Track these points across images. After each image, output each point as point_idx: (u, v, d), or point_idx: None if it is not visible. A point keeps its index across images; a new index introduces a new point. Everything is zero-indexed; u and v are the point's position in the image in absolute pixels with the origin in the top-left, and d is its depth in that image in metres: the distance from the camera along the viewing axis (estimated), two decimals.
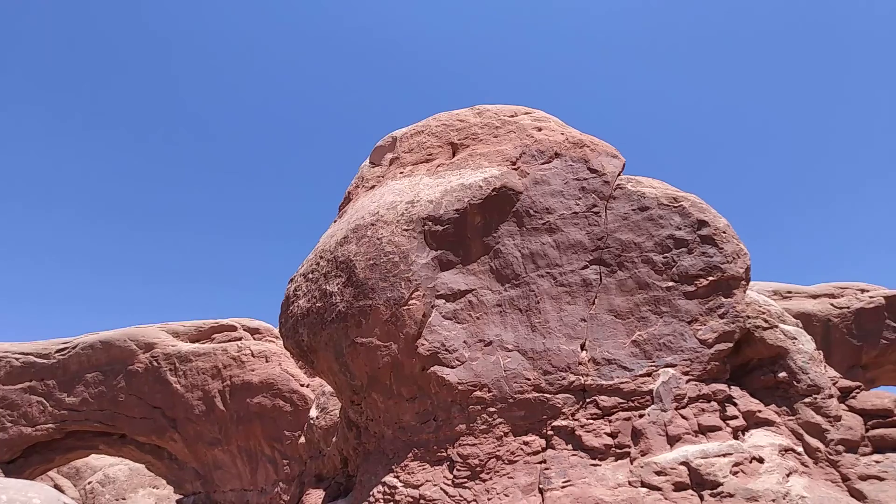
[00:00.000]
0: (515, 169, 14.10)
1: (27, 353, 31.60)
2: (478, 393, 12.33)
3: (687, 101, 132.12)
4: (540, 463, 11.37)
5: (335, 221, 17.23)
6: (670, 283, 12.12)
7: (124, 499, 38.20)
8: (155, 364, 30.17)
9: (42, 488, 11.00)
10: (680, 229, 12.46)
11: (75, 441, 32.15)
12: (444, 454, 12.36)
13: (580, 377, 11.83)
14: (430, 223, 13.61)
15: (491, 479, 11.55)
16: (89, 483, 39.01)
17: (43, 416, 30.60)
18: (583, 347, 12.13)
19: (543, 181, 13.73)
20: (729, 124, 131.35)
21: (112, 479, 39.07)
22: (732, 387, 11.75)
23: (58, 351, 31.47)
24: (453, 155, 15.84)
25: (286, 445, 27.52)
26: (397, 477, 12.71)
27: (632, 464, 10.70)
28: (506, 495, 11.18)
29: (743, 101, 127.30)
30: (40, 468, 32.53)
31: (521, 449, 11.67)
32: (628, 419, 11.25)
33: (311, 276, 15.24)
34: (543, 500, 10.72)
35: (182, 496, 32.94)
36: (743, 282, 12.15)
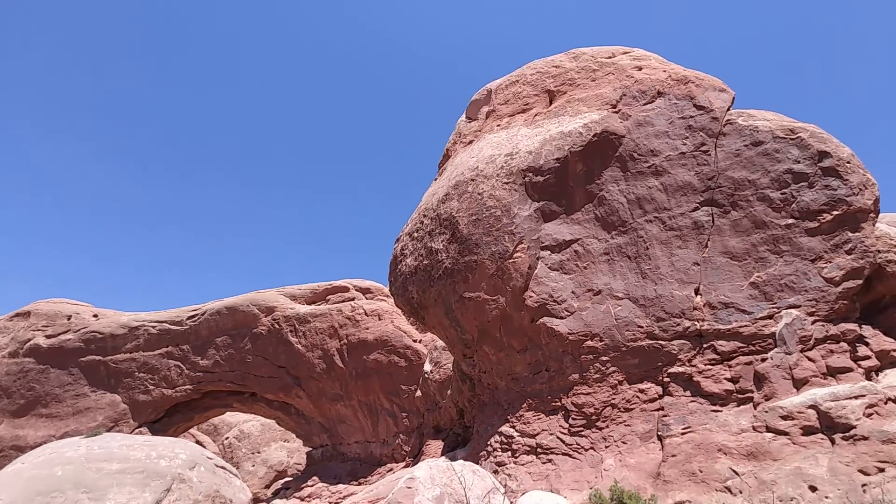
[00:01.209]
0: (616, 112, 13.63)
1: (162, 321, 34.16)
2: (589, 342, 12.25)
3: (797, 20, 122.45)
4: (657, 410, 11.22)
5: (436, 179, 17.36)
6: (790, 221, 11.43)
7: (259, 452, 41.00)
8: (277, 326, 31.89)
9: (186, 444, 11.99)
10: (798, 162, 11.66)
11: (211, 400, 34.71)
12: (559, 404, 12.43)
13: (696, 322, 11.48)
14: (531, 174, 13.46)
15: (607, 427, 11.54)
16: (227, 438, 42.07)
17: (181, 378, 33.15)
18: (697, 292, 11.73)
19: (646, 122, 13.21)
20: (851, 41, 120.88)
21: (247, 434, 41.93)
22: (863, 326, 11.04)
23: (189, 318, 33.82)
24: (550, 103, 15.50)
25: (403, 399, 28.51)
26: (513, 427, 12.93)
27: (755, 409, 10.36)
28: (623, 443, 11.14)
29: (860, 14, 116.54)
30: (182, 426, 35.39)
31: (637, 397, 11.55)
32: (750, 363, 10.85)
33: (416, 234, 15.50)
34: (663, 447, 10.60)
35: (311, 448, 34.95)
36: (871, 214, 11.28)
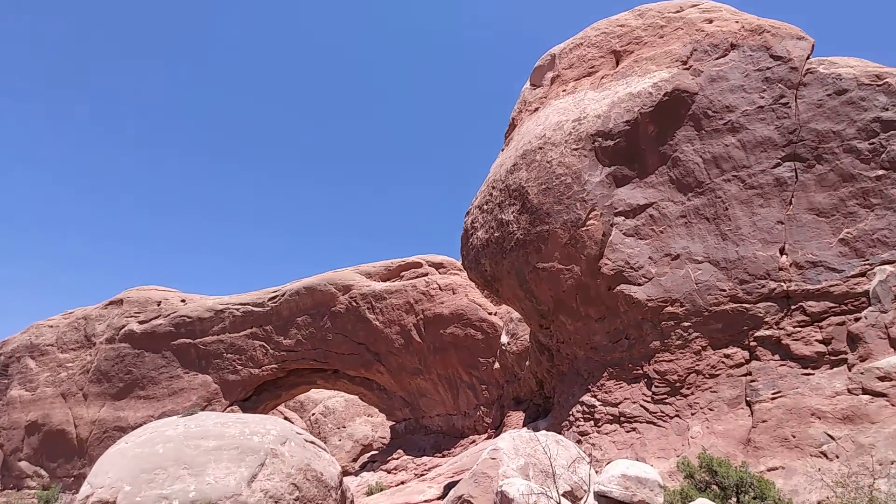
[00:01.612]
0: (687, 68, 13.13)
1: (245, 304, 35.48)
2: (669, 308, 11.99)
3: None
4: (744, 375, 10.91)
5: (503, 150, 17.22)
6: (880, 172, 10.79)
7: (344, 427, 42.30)
8: (354, 304, 32.66)
9: (276, 421, 12.43)
10: (887, 110, 10.95)
11: (296, 378, 35.99)
12: (640, 371, 12.26)
13: (782, 283, 11.05)
14: (600, 139, 13.17)
15: (692, 393, 11.31)
16: (313, 415, 43.56)
17: (266, 357, 34.48)
18: (782, 252, 11.27)
19: (720, 77, 12.66)
20: None
21: (332, 410, 43.33)
22: None
23: (270, 299, 34.99)
24: (617, 64, 15.05)
25: (482, 371, 28.79)
26: (595, 396, 12.85)
27: (850, 371, 9.93)
28: (710, 409, 10.91)
29: None
30: (271, 404, 36.89)
31: (723, 362, 11.25)
32: (842, 324, 10.38)
33: (485, 207, 15.47)
34: (752, 413, 10.33)
35: (394, 422, 35.80)
36: None
